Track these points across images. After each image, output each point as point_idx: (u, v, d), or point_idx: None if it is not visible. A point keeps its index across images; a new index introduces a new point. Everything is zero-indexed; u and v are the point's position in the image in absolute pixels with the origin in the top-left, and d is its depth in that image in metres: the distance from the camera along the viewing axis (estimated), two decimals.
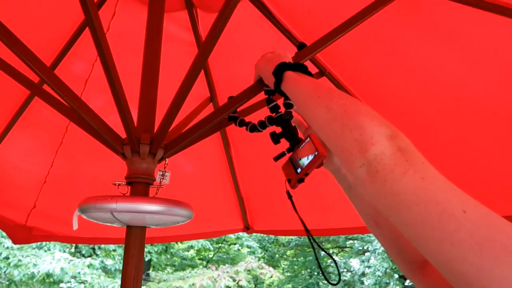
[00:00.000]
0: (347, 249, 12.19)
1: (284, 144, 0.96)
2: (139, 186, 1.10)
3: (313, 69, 1.63)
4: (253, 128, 0.99)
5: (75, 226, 1.11)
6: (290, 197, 0.93)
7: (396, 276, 10.26)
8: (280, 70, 0.83)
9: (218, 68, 1.90)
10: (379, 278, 10.10)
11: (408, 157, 0.53)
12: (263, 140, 2.15)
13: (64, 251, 8.68)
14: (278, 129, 0.96)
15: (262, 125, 0.97)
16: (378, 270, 10.10)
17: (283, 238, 11.71)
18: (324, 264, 11.93)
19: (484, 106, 1.41)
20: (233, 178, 2.28)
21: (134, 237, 1.08)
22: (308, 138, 0.86)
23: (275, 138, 0.93)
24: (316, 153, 0.82)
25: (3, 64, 1.22)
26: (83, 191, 2.03)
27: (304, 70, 0.84)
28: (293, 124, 0.96)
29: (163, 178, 1.16)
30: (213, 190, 2.38)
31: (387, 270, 10.12)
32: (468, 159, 1.56)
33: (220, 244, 11.63)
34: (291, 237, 11.52)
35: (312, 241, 0.89)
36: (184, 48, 1.77)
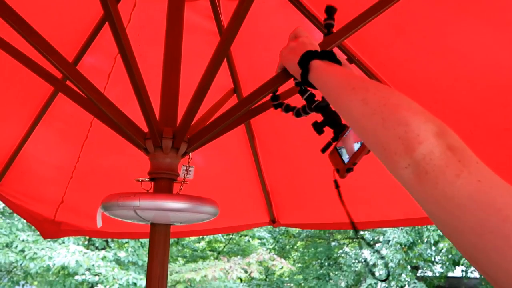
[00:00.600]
0: (358, 240, 12.05)
1: (328, 133, 0.90)
2: (163, 182, 1.07)
3: (340, 56, 1.55)
4: (298, 113, 0.93)
5: (99, 224, 1.09)
6: (337, 186, 0.89)
7: (409, 267, 10.12)
8: (306, 59, 0.77)
9: (242, 58, 1.84)
10: (391, 269, 9.96)
11: (460, 157, 0.48)
12: (288, 132, 2.09)
13: (78, 244, 8.80)
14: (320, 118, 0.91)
15: (299, 113, 0.92)
16: (391, 261, 9.93)
17: (293, 229, 11.65)
18: (335, 254, 11.82)
19: None
20: (258, 171, 2.24)
21: (158, 235, 1.05)
22: None
23: (318, 127, 0.88)
24: (362, 142, 0.78)
25: (27, 61, 1.20)
26: (109, 186, 2.03)
27: (332, 58, 0.77)
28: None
29: (187, 173, 1.12)
30: (238, 183, 2.35)
31: (401, 262, 9.97)
32: None
33: (231, 236, 11.59)
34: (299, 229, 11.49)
35: (356, 233, 0.87)
36: (206, 37, 1.72)
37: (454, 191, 0.46)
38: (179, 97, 1.20)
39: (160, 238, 1.05)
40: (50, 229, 2.23)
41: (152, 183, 1.08)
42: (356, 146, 0.80)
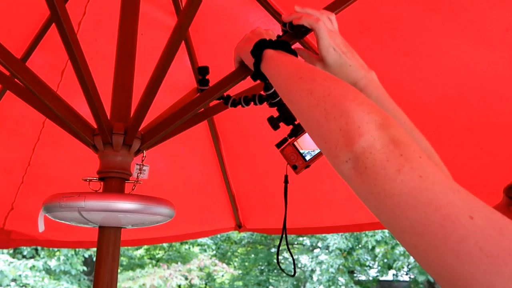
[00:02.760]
0: (297, 246, 12.26)
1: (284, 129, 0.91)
2: (113, 182, 0.99)
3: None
4: (246, 101, 0.93)
5: (41, 228, 0.99)
6: (286, 182, 0.91)
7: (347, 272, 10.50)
8: (259, 48, 0.73)
9: (205, 57, 1.78)
10: (332, 274, 10.22)
11: (403, 151, 0.45)
12: (254, 133, 2.04)
13: (3, 252, 8.23)
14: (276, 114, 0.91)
15: (246, 101, 0.89)
16: (332, 266, 10.21)
17: (235, 236, 11.66)
18: (275, 260, 11.96)
19: (492, 92, 1.30)
20: (223, 174, 2.17)
21: (107, 239, 0.96)
22: None
23: (273, 122, 0.88)
24: None
25: None
26: (63, 191, 1.91)
27: (286, 48, 0.73)
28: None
29: (140, 173, 1.04)
30: (202, 186, 2.27)
31: (340, 267, 10.24)
32: (474, 150, 1.45)
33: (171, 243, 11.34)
34: (243, 234, 11.52)
35: (283, 237, 0.90)
36: (167, 33, 1.65)
37: (394, 187, 0.43)
38: (136, 95, 1.13)
39: (109, 242, 0.96)
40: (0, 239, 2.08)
41: (102, 183, 1.00)
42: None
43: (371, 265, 11.35)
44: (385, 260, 10.50)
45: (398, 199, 0.42)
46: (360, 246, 10.49)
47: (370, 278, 11.46)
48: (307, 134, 0.86)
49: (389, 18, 1.31)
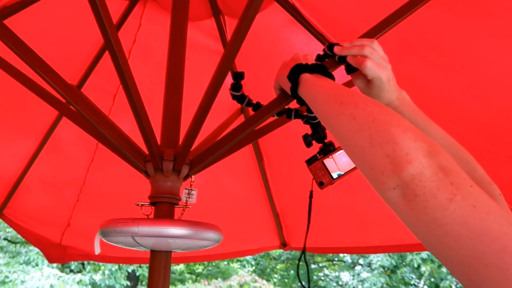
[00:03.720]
0: (337, 262, 11.81)
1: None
2: (164, 207, 1.02)
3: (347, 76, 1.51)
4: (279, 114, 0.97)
5: (97, 251, 1.04)
6: (311, 197, 0.98)
7: None
8: (296, 73, 0.74)
9: (248, 78, 1.80)
10: None
11: (453, 179, 0.44)
12: (297, 152, 2.04)
13: (53, 267, 8.46)
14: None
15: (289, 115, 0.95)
16: (375, 285, 9.76)
17: (274, 252, 11.43)
18: (315, 277, 11.57)
19: None
20: (268, 193, 2.18)
21: (158, 263, 0.99)
22: None
23: (307, 140, 0.92)
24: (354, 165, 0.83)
25: (33, 86, 1.19)
26: (115, 209, 1.99)
27: (323, 71, 0.73)
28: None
29: (189, 197, 1.07)
30: (247, 206, 2.29)
31: (384, 285, 9.79)
32: None
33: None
34: (282, 250, 11.27)
35: (303, 255, 0.96)
36: (212, 57, 1.69)
37: (446, 217, 0.42)
38: (184, 119, 1.17)
39: (160, 265, 0.99)
40: (56, 253, 2.19)
41: (153, 207, 1.03)
42: (348, 166, 0.87)
43: (416, 283, 10.83)
44: (432, 279, 9.96)
45: (451, 228, 0.41)
46: (404, 264, 10.05)
47: None
48: (338, 154, 0.91)
49: (434, 35, 1.27)
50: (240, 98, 0.94)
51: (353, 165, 0.88)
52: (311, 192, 0.97)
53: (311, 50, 1.52)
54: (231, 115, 1.72)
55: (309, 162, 0.93)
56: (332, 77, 0.73)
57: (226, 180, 2.15)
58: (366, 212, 1.99)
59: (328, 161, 0.91)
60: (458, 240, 0.40)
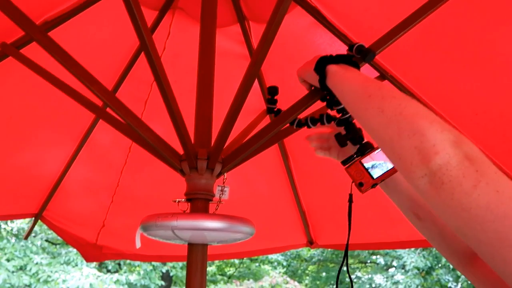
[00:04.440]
0: (370, 265, 11.59)
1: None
2: (199, 203, 1.09)
3: (373, 73, 1.55)
4: (313, 121, 0.96)
5: (138, 245, 1.12)
6: (351, 201, 0.92)
7: None
8: (322, 64, 0.76)
9: (273, 80, 1.86)
10: None
11: (478, 167, 0.47)
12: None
13: (91, 267, 8.73)
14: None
15: (313, 122, 0.92)
16: (409, 287, 9.53)
17: (305, 253, 11.32)
18: (347, 279, 11.26)
19: None
20: (294, 191, 2.22)
21: (195, 255, 1.06)
22: None
23: (341, 139, 0.90)
24: None
25: (70, 91, 1.28)
26: (147, 209, 2.08)
27: (348, 61, 0.76)
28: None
29: (222, 194, 1.14)
30: (273, 204, 2.34)
31: (419, 287, 9.54)
32: None
33: (242, 259, 11.25)
34: (313, 252, 11.16)
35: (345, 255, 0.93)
36: (238, 62, 1.76)
37: (471, 202, 0.45)
38: (214, 121, 1.23)
39: (197, 257, 1.06)
40: (93, 253, 2.30)
41: (189, 203, 1.10)
42: (391, 164, 0.81)
43: (453, 286, 10.50)
44: (469, 282, 9.68)
45: (476, 212, 0.45)
46: (440, 265, 9.82)
47: None
48: (376, 153, 0.86)
49: (458, 30, 1.30)
50: (276, 112, 0.98)
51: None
52: (351, 195, 0.92)
53: (335, 50, 1.56)
54: (257, 116, 1.78)
55: (345, 162, 0.90)
56: (357, 66, 0.76)
57: (253, 178, 2.21)
58: (393, 206, 2.01)
59: (366, 160, 0.86)
60: (482, 223, 0.44)
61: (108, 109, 1.51)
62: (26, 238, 2.25)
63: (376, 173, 0.84)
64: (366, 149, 0.88)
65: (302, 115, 1.07)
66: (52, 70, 1.28)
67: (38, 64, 1.30)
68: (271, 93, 1.02)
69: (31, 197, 2.06)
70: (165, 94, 0.99)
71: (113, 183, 2.10)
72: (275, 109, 0.99)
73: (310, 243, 2.41)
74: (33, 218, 2.15)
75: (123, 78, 1.76)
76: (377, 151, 0.86)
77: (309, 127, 1.01)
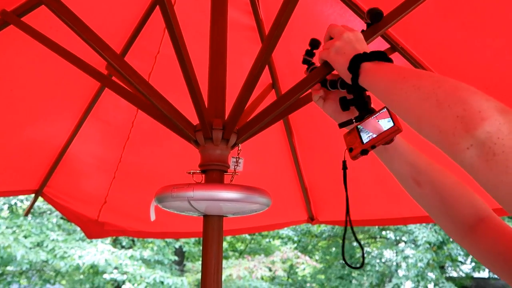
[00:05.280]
0: (380, 240, 11.81)
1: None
2: (214, 174, 1.07)
3: (383, 45, 1.52)
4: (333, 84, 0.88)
5: (153, 217, 1.10)
6: (345, 168, 0.85)
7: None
8: (357, 64, 0.73)
9: (280, 52, 1.82)
10: (420, 269, 9.62)
11: None
12: (327, 125, 2.06)
13: (106, 243, 8.95)
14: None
15: (332, 84, 0.88)
16: (421, 261, 9.63)
17: (315, 229, 11.50)
18: (357, 254, 11.57)
19: None
20: (297, 167, 2.21)
21: (211, 227, 1.04)
22: (385, 109, 0.76)
23: (345, 103, 0.83)
24: (392, 125, 0.72)
25: (75, 59, 1.23)
26: (150, 186, 2.06)
27: (383, 57, 0.73)
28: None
29: (237, 165, 1.12)
30: (275, 180, 2.33)
31: (430, 261, 9.68)
32: None
33: (253, 235, 11.39)
34: (323, 227, 11.34)
35: (347, 228, 0.84)
36: (244, 33, 1.72)
37: None
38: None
39: (213, 230, 1.04)
40: (94, 230, 2.28)
41: (203, 175, 1.08)
42: (382, 130, 0.74)
43: (463, 260, 10.62)
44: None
45: None
46: (451, 240, 9.99)
47: (463, 275, 10.77)
48: (375, 117, 0.78)
49: (472, 3, 1.27)
50: (312, 66, 0.93)
51: (388, 126, 0.73)
52: (344, 162, 0.84)
53: (346, 21, 1.53)
54: (264, 90, 1.75)
55: (343, 125, 0.84)
56: (390, 61, 0.73)
57: (257, 153, 2.19)
58: (395, 182, 2.01)
59: (364, 125, 0.79)
60: None
61: (114, 78, 1.47)
62: (26, 214, 2.22)
63: (366, 137, 0.76)
64: (364, 115, 0.80)
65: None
66: (53, 37, 1.23)
67: (41, 32, 1.25)
68: (313, 45, 0.95)
69: (31, 173, 2.02)
70: (181, 56, 0.95)
71: (116, 159, 2.07)
72: (311, 62, 0.94)
73: (311, 220, 2.42)
74: (34, 195, 2.11)
75: (127, 49, 1.71)
76: (375, 115, 0.77)
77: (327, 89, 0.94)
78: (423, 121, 0.54)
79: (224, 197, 0.97)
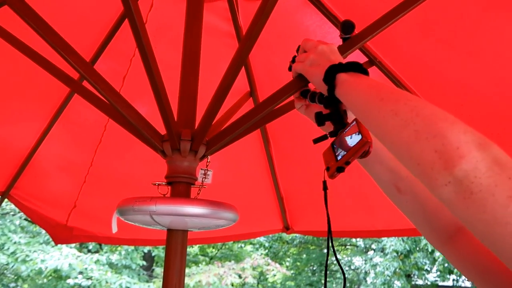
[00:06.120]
0: (350, 247, 11.97)
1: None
2: (180, 186, 1.03)
3: (361, 58, 1.51)
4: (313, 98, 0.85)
5: (115, 229, 1.05)
6: (325, 188, 0.83)
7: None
8: (332, 75, 0.71)
9: (258, 60, 1.80)
10: (387, 277, 9.81)
11: (510, 173, 0.42)
12: (304, 136, 2.04)
13: (71, 247, 8.62)
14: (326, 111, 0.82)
15: (312, 98, 0.85)
16: (387, 269, 9.83)
17: (287, 236, 11.55)
18: (328, 262, 11.68)
19: None
20: (273, 177, 2.19)
21: (175, 241, 1.00)
22: (354, 122, 0.73)
23: (320, 119, 0.79)
24: (360, 138, 0.70)
25: (43, 62, 1.18)
26: (121, 191, 2.00)
27: (359, 69, 0.71)
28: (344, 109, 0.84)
29: (205, 177, 1.08)
30: (251, 189, 2.30)
31: (397, 270, 9.87)
32: None
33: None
34: (295, 234, 11.41)
35: (329, 242, 0.80)
36: (223, 40, 1.69)
37: (508, 216, 0.40)
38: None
39: (177, 245, 1.00)
40: (62, 234, 2.21)
41: (169, 187, 1.04)
42: (352, 144, 0.71)
43: (429, 269, 10.85)
44: (446, 265, 10.06)
45: None
46: (418, 249, 10.08)
47: (428, 283, 10.99)
48: (347, 131, 0.75)
49: (453, 18, 1.27)
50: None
51: (357, 140, 0.71)
52: (324, 182, 0.81)
53: (324, 32, 1.52)
54: (241, 98, 1.72)
55: (316, 141, 0.81)
56: (366, 73, 0.71)
57: (233, 163, 2.16)
58: (372, 195, 2.01)
59: (336, 142, 0.76)
60: None
61: (84, 83, 1.42)
62: None
63: (340, 154, 0.73)
64: (339, 130, 0.77)
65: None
66: (23, 39, 1.18)
67: (8, 31, 1.19)
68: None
69: None
70: (149, 66, 0.92)
71: (87, 162, 2.01)
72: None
73: (286, 229, 2.40)
74: (0, 197, 2.03)
75: (101, 51, 1.66)
76: (346, 130, 0.74)
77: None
78: (401, 149, 0.53)
79: (189, 212, 0.94)
